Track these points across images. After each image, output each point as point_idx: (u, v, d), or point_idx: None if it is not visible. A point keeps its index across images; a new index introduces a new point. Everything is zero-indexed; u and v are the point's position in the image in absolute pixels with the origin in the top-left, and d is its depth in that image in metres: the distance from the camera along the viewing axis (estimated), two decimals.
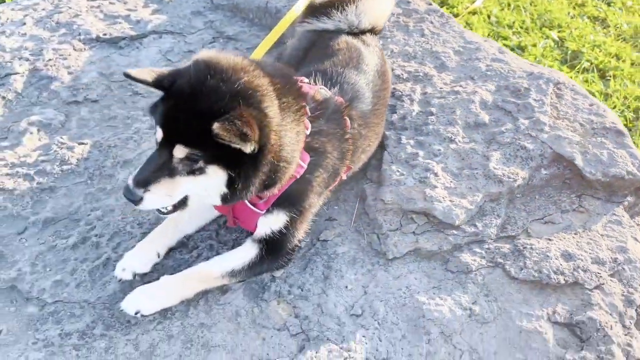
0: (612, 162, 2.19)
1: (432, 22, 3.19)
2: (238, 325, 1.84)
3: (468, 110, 2.45)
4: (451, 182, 2.13)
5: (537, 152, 2.23)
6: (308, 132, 1.84)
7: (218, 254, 2.01)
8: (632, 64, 4.32)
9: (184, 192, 1.67)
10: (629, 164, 2.19)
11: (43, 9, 3.68)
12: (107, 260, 2.08)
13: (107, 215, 2.27)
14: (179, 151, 1.57)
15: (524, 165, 2.19)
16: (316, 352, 1.71)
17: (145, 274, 1.98)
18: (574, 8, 5.03)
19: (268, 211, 1.88)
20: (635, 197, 2.20)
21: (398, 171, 2.18)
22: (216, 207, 2.00)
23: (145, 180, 1.58)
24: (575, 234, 2.00)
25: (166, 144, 1.59)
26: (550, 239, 1.98)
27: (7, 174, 2.46)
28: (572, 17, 4.86)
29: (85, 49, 3.34)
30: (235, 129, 1.45)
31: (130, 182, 1.59)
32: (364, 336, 1.75)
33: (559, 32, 4.64)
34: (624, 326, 1.72)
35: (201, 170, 1.61)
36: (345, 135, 1.97)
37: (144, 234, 2.15)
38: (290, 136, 1.70)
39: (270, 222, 1.89)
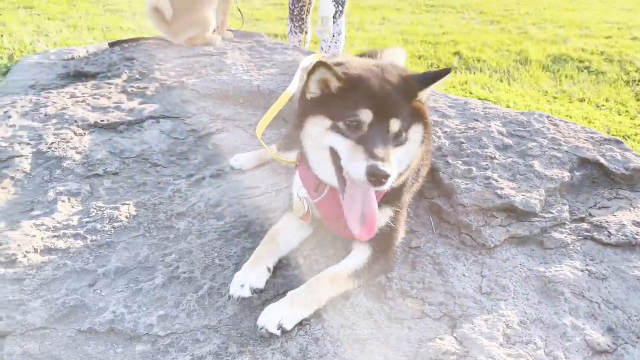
0: (627, 160, 2.58)
1: None
2: (375, 322, 1.81)
3: (491, 138, 2.78)
4: (513, 184, 2.37)
5: (567, 159, 2.56)
6: None
7: (327, 265, 2.00)
8: None
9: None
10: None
11: (23, 107, 3.60)
12: (210, 290, 1.96)
13: (186, 257, 2.16)
14: (395, 125, 1.74)
15: (562, 168, 2.50)
16: (472, 324, 1.73)
17: (262, 292, 1.90)
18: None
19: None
20: None
21: (463, 182, 2.39)
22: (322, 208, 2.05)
23: (387, 157, 1.66)
24: (629, 211, 2.29)
25: (379, 122, 1.72)
26: (615, 216, 2.24)
27: (54, 236, 2.28)
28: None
29: (85, 133, 3.28)
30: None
31: (373, 162, 1.62)
32: (506, 306, 1.81)
33: None
34: None
35: (406, 139, 1.80)
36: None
37: (237, 265, 2.08)
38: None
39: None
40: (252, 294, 1.87)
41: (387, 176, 1.60)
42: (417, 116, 1.84)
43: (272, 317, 1.72)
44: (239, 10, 5.54)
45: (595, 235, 2.12)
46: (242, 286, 1.86)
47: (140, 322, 1.83)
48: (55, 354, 1.73)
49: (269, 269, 1.95)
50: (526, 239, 2.14)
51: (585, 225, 2.19)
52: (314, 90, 1.84)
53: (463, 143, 2.74)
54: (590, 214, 2.28)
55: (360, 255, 1.94)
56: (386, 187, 1.65)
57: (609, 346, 1.65)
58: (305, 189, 2.07)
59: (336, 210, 1.96)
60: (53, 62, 4.98)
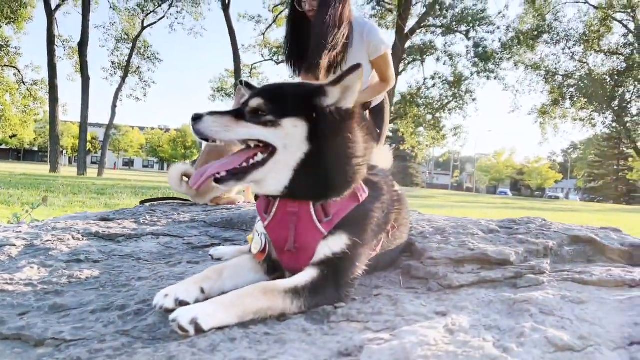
0: (623, 238, 2.37)
1: None
2: (309, 335, 1.57)
3: (477, 225, 2.66)
4: (491, 245, 2.20)
5: (556, 236, 2.39)
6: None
7: None
8: None
9: (250, 135, 1.76)
10: (638, 239, 2.38)
11: (34, 224, 3.78)
12: (139, 311, 1.80)
13: (129, 299, 2.02)
14: (254, 102, 1.77)
15: (548, 239, 2.32)
16: (413, 328, 1.47)
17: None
18: None
19: (330, 233, 1.85)
20: None
21: (436, 244, 2.24)
22: (275, 222, 1.93)
23: (217, 117, 1.76)
24: (622, 269, 2.04)
25: (246, 102, 1.81)
26: (602, 267, 2.00)
27: (7, 283, 2.23)
28: None
29: (83, 239, 3.36)
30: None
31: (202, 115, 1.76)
32: (458, 316, 1.55)
33: None
34: None
35: (273, 123, 1.75)
36: (394, 187, 2.12)
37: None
38: (359, 138, 1.86)
39: (331, 244, 1.83)
40: (176, 306, 1.69)
41: (195, 118, 1.73)
42: (302, 111, 1.79)
43: (188, 311, 1.54)
44: None
45: (577, 276, 1.87)
46: (166, 295, 1.71)
47: (50, 330, 1.66)
48: None
49: (202, 290, 1.80)
50: (497, 281, 1.91)
51: (566, 273, 1.95)
52: None
53: (446, 229, 2.63)
54: (579, 272, 2.04)
55: (304, 275, 1.77)
56: (198, 127, 1.73)
57: (576, 344, 1.34)
58: (261, 221, 2.00)
59: (284, 231, 1.87)
60: (86, 216, 5.32)
